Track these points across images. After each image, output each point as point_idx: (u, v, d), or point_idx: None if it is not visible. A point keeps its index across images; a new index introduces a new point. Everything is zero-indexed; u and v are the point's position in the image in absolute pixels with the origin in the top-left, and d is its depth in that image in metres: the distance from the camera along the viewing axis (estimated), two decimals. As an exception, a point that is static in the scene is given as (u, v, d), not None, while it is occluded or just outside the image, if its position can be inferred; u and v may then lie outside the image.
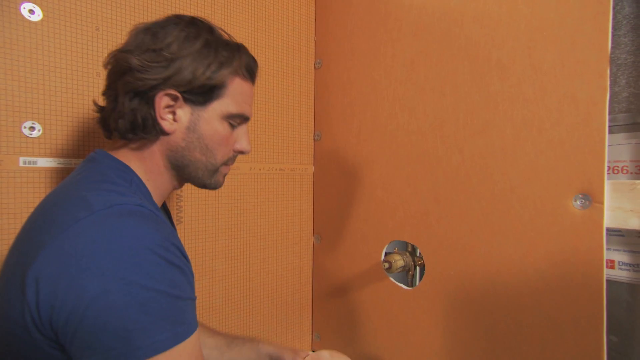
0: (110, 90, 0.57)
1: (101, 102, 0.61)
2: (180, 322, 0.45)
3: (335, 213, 1.15)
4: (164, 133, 0.57)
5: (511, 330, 0.79)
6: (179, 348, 0.43)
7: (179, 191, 0.93)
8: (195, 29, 0.57)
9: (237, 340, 0.81)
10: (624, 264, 0.80)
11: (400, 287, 0.99)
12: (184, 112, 0.57)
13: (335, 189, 1.14)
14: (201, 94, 0.56)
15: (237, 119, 0.61)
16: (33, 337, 0.44)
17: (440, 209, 0.90)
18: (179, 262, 0.47)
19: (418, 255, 0.99)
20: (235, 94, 0.59)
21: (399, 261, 0.95)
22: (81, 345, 0.42)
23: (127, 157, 0.58)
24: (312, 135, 1.20)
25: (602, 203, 0.67)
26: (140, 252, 0.43)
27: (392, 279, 1.01)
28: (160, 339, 0.42)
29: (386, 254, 0.99)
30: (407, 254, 0.99)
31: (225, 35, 0.62)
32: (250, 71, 0.62)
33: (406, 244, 1.01)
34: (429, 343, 0.93)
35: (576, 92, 0.70)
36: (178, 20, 0.57)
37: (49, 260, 0.43)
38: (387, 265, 0.94)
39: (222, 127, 0.60)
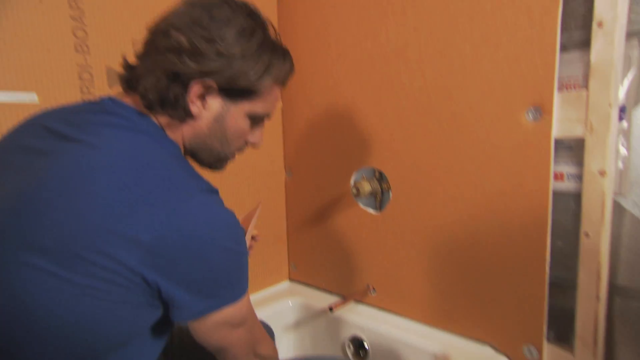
0: (149, 58, 0.55)
1: (130, 59, 0.58)
2: (246, 277, 0.56)
3: (305, 147, 1.16)
4: (190, 116, 0.56)
5: (469, 238, 0.85)
6: (246, 298, 0.56)
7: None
8: (252, 22, 0.56)
9: None
10: (571, 175, 0.86)
11: (369, 212, 1.04)
12: (215, 102, 0.56)
13: (304, 122, 1.15)
14: (237, 92, 0.56)
15: (260, 118, 0.62)
16: (138, 289, 0.47)
17: (404, 133, 0.93)
18: (240, 227, 0.55)
19: (385, 180, 1.03)
20: (267, 98, 0.59)
21: (366, 187, 0.99)
22: (198, 293, 0.49)
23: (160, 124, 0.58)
24: (279, 69, 1.19)
25: (551, 114, 0.71)
26: (235, 225, 0.52)
27: (361, 205, 1.05)
28: (246, 285, 0.55)
29: (354, 182, 1.02)
30: (375, 179, 1.03)
31: (273, 32, 0.60)
32: (287, 79, 0.62)
33: (373, 170, 1.05)
34: (398, 261, 0.99)
35: (531, 4, 0.72)
36: (236, 6, 0.55)
37: (168, 225, 0.46)
38: (355, 191, 0.98)
39: (245, 123, 0.60)
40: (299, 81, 1.14)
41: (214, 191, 0.53)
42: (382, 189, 1.03)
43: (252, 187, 1.15)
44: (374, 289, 1.06)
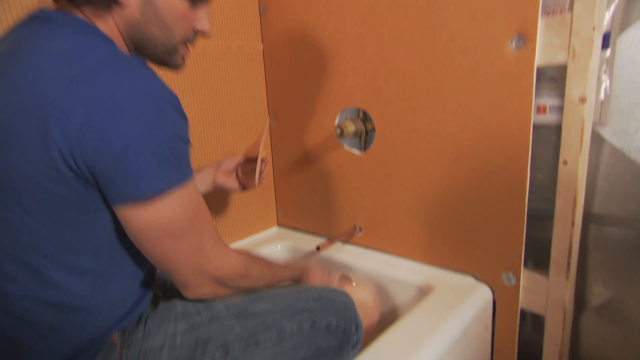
0: None
1: None
2: (188, 164, 0.51)
3: (288, 90, 1.14)
4: (115, 2, 0.52)
5: (453, 174, 0.87)
6: (188, 187, 0.51)
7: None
8: None
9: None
10: (554, 107, 0.86)
11: (354, 152, 1.04)
12: None
13: (286, 64, 1.12)
14: None
15: None
16: (60, 173, 0.46)
17: (387, 70, 0.91)
18: (183, 112, 0.51)
19: (369, 120, 1.02)
20: None
21: (350, 127, 0.98)
22: (116, 176, 0.46)
23: (89, 20, 0.53)
24: (258, 8, 1.14)
25: (534, 41, 0.70)
26: (164, 101, 0.48)
27: (345, 146, 1.05)
28: (181, 176, 0.49)
29: (338, 122, 1.02)
30: (359, 120, 1.02)
31: None
32: None
33: (357, 110, 1.04)
34: (382, 200, 1.01)
35: None
36: None
37: (76, 102, 0.44)
38: (339, 131, 0.97)
39: (181, 3, 0.56)
40: (280, 22, 1.10)
41: (142, 64, 0.50)
42: (366, 129, 1.02)
43: (235, 133, 1.14)
44: (360, 229, 1.08)
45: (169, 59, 0.60)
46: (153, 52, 0.58)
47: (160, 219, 0.49)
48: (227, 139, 1.11)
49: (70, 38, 0.48)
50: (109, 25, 0.54)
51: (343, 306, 0.69)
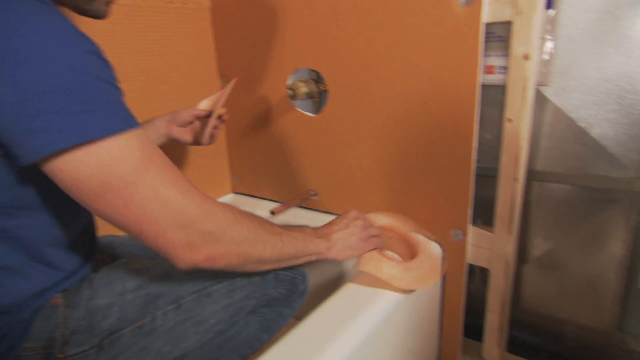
0: None
1: None
2: (125, 109, 0.46)
3: (238, 49, 1.09)
4: None
5: (404, 135, 0.87)
6: (130, 133, 0.44)
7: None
8: None
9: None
10: (501, 67, 0.88)
11: (307, 114, 1.02)
12: None
13: (235, 23, 1.07)
14: None
15: None
16: None
17: (339, 29, 0.89)
18: (106, 58, 0.46)
19: (321, 81, 1.00)
20: None
21: (302, 88, 0.96)
22: (33, 129, 0.40)
23: None
24: (202, -40, 1.07)
25: (482, -3, 0.70)
26: (76, 48, 0.42)
27: (299, 108, 1.03)
28: (110, 122, 0.43)
29: (290, 84, 0.99)
30: (311, 81, 1.00)
31: None
32: None
33: (309, 71, 1.01)
34: (335, 162, 1.01)
35: None
36: None
37: None
38: (291, 92, 0.95)
39: None
40: (226, -26, 1.03)
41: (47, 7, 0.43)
42: (319, 90, 1.00)
43: (183, 96, 1.08)
44: (315, 192, 1.08)
45: (88, 5, 0.54)
46: None
47: (96, 170, 0.42)
48: (173, 107, 1.06)
49: None
50: None
51: (300, 273, 0.71)
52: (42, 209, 0.51)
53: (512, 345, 0.99)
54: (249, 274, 0.64)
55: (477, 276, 1.06)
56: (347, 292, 0.73)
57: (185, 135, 0.87)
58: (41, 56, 0.40)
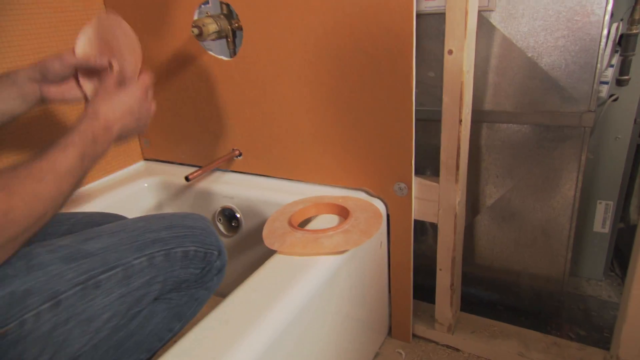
0: None
1: None
2: None
3: (128, -20, 0.97)
4: None
5: (334, 79, 0.82)
6: None
7: None
8: None
9: None
10: (442, -9, 0.83)
11: (220, 59, 0.94)
12: None
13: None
14: None
15: None
16: None
17: (248, -53, 0.80)
18: None
19: (235, 17, 0.91)
20: None
21: (210, 25, 0.87)
22: None
23: None
24: None
25: None
26: None
27: (209, 52, 0.94)
28: None
29: (196, 20, 0.89)
30: (221, 16, 0.90)
31: None
32: None
33: (219, 4, 0.92)
34: (260, 115, 0.94)
35: None
36: None
37: None
38: (196, 31, 0.86)
39: None
40: None
41: None
42: (232, 27, 0.92)
43: (55, 35, 0.94)
44: (240, 153, 1.02)
45: None
46: None
47: None
48: (42, 46, 0.93)
49: None
50: None
51: (201, 231, 0.65)
52: None
53: (466, 303, 1.02)
54: (150, 255, 0.58)
55: (429, 233, 1.06)
56: (277, 263, 0.69)
57: (71, 92, 0.70)
58: None
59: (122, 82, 0.64)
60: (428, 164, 0.95)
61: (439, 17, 0.87)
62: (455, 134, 0.76)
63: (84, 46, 0.70)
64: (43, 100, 0.69)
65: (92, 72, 0.69)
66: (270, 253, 0.73)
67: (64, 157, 0.50)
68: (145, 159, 1.20)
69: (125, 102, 0.60)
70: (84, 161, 0.52)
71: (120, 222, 0.61)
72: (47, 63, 0.66)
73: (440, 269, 0.88)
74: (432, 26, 0.88)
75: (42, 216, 0.48)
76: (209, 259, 0.64)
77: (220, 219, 1.05)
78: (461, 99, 0.73)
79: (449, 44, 0.71)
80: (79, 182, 0.53)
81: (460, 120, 0.75)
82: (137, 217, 0.64)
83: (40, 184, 0.47)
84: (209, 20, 0.87)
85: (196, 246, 0.62)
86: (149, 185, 1.10)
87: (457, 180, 0.79)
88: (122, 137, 0.61)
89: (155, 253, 0.58)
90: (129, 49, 0.67)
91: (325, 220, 0.81)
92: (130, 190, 1.07)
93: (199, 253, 0.63)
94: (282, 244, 0.73)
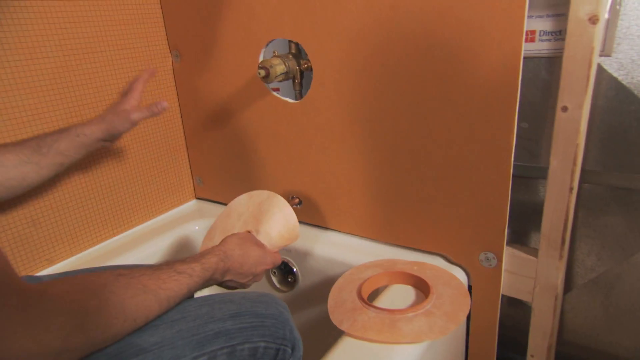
0: None
1: None
2: None
3: (194, 16, 0.92)
4: None
5: (415, 125, 0.72)
6: None
7: None
8: None
9: (50, 138, 0.66)
10: (546, 33, 0.72)
11: (286, 101, 0.86)
12: None
13: (187, -22, 0.89)
14: None
15: None
16: None
17: (326, -17, 0.72)
18: None
19: (304, 56, 0.84)
20: None
21: (278, 66, 0.79)
22: None
23: None
24: None
25: None
26: None
27: (274, 93, 0.87)
28: None
29: (263, 61, 0.82)
30: (290, 56, 0.83)
31: None
32: None
33: (288, 43, 0.84)
34: (327, 163, 0.85)
35: None
36: None
37: None
38: (263, 73, 0.78)
39: None
40: None
41: None
42: (300, 68, 0.84)
43: (123, 76, 0.91)
44: (299, 200, 0.93)
45: None
46: None
47: None
48: (113, 85, 0.88)
49: None
50: None
51: (273, 321, 0.56)
52: None
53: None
54: (212, 353, 0.49)
55: (506, 302, 0.92)
56: (348, 350, 0.59)
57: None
58: None
59: (259, 244, 0.67)
60: (509, 223, 0.82)
61: (539, 61, 0.75)
62: (564, 204, 0.64)
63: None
64: (105, 139, 0.74)
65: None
66: (329, 317, 0.63)
67: (175, 283, 0.50)
68: (197, 198, 1.14)
69: (252, 263, 0.63)
70: (188, 292, 0.52)
71: (183, 305, 0.53)
72: (116, 124, 0.72)
73: (532, 355, 0.75)
74: (529, 70, 0.77)
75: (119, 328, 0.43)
76: (281, 357, 0.54)
77: (274, 272, 0.96)
78: (574, 163, 0.61)
79: (563, 99, 0.59)
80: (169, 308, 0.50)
81: (571, 188, 0.63)
82: (202, 297, 0.56)
83: (136, 298, 0.45)
84: (277, 61, 0.80)
85: (266, 341, 0.54)
86: (200, 228, 1.03)
87: (561, 257, 0.66)
88: (222, 284, 0.62)
89: (218, 351, 0.50)
90: (279, 226, 0.72)
91: (400, 293, 0.70)
92: (181, 233, 1.00)
93: (270, 350, 0.54)
94: (353, 325, 0.62)
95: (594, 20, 0.54)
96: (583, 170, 0.76)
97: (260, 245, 0.67)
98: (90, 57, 0.84)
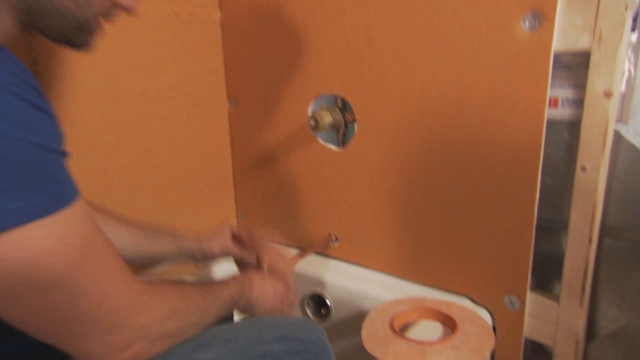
0: None
1: None
2: (60, 181, 0.40)
3: (252, 69, 1.04)
4: None
5: (446, 177, 0.80)
6: (66, 213, 0.39)
7: (32, 40, 0.76)
8: None
9: (158, 233, 0.77)
10: (567, 100, 0.81)
11: (330, 148, 0.96)
12: None
13: (249, 38, 1.02)
14: None
15: None
16: None
17: (373, 51, 0.83)
18: (42, 104, 0.39)
19: (348, 110, 0.94)
20: None
21: (326, 118, 0.90)
22: None
23: None
24: (215, -33, 1.03)
25: (553, 21, 0.63)
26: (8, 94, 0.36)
27: (320, 140, 0.97)
28: (40, 201, 0.37)
29: (313, 112, 0.93)
30: (336, 109, 0.94)
31: None
32: None
33: (335, 98, 0.96)
34: (364, 205, 0.94)
35: None
36: None
37: None
38: (313, 123, 0.89)
39: None
40: (241, -16, 1.00)
41: None
42: (345, 120, 0.95)
43: (187, 120, 1.03)
44: (336, 238, 1.01)
45: (77, 36, 0.51)
46: (56, 26, 0.49)
47: (17, 267, 0.36)
48: (173, 134, 1.01)
49: None
50: None
51: (314, 346, 0.62)
52: None
53: None
54: None
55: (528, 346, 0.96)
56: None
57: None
58: None
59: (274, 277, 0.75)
60: (532, 271, 0.88)
61: (562, 124, 0.83)
62: (584, 255, 0.70)
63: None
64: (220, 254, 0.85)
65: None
66: (361, 349, 0.69)
67: (216, 314, 0.58)
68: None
69: (268, 290, 0.70)
70: (216, 313, 0.59)
71: (234, 326, 0.61)
72: (213, 248, 0.81)
73: (552, 399, 0.78)
74: (553, 132, 0.84)
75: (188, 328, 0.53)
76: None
77: (309, 304, 1.03)
78: (593, 218, 0.68)
79: (582, 160, 0.67)
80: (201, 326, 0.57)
81: (590, 240, 0.69)
82: (251, 320, 0.64)
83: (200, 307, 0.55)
84: (326, 113, 0.91)
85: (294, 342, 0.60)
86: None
87: (581, 304, 0.72)
88: (247, 309, 0.68)
89: None
90: (280, 260, 0.81)
91: (429, 328, 0.76)
92: (223, 266, 1.09)
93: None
94: (385, 353, 0.68)
95: (608, 94, 0.63)
96: (604, 225, 0.82)
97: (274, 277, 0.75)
98: (164, 103, 0.97)
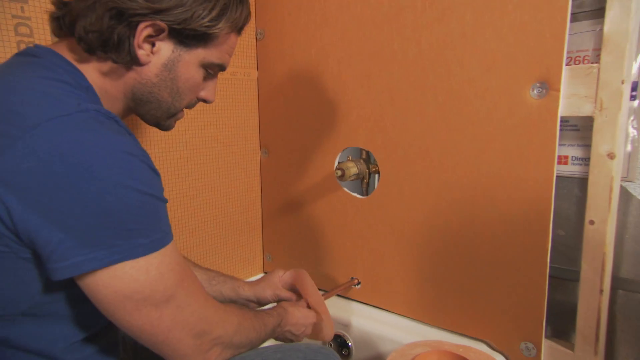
0: None
1: None
2: (167, 224, 0.52)
3: (283, 122, 1.14)
4: (137, 63, 0.55)
5: (463, 227, 0.86)
6: (170, 247, 0.51)
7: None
8: None
9: (219, 278, 0.85)
10: (576, 159, 0.87)
11: (355, 196, 1.03)
12: (165, 47, 0.56)
13: (283, 95, 1.13)
14: (191, 37, 0.56)
15: (215, 69, 0.62)
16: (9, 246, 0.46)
17: (396, 110, 0.92)
18: (153, 166, 0.51)
19: (372, 161, 1.02)
20: (223, 46, 0.61)
21: (352, 168, 0.98)
22: (80, 243, 0.44)
23: (87, 67, 0.54)
24: (254, 33, 1.15)
25: (558, 90, 0.71)
26: (129, 159, 0.47)
27: (345, 189, 1.05)
28: (157, 237, 0.49)
29: (339, 163, 1.01)
30: (361, 161, 1.02)
31: None
32: (244, 27, 0.63)
33: (360, 150, 1.04)
34: (385, 251, 1.00)
35: (540, -33, 0.71)
36: None
37: (20, 162, 0.42)
38: (339, 173, 0.97)
39: (198, 74, 0.60)
40: (277, 49, 1.11)
41: (106, 115, 0.48)
42: (369, 171, 1.02)
43: (223, 167, 1.12)
44: (358, 281, 1.06)
45: (166, 121, 0.64)
46: (153, 113, 0.61)
47: (132, 287, 0.47)
48: (211, 173, 1.10)
49: (34, 82, 0.48)
50: (116, 83, 0.56)
51: None
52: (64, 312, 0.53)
53: None
54: None
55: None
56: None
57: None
58: (96, 173, 0.44)
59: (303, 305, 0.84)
60: (548, 320, 0.91)
61: (572, 180, 0.89)
62: (595, 304, 0.74)
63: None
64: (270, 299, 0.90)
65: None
66: None
67: (267, 323, 0.68)
68: (265, 272, 1.29)
69: (301, 318, 0.77)
70: (264, 338, 0.68)
71: (261, 351, 0.66)
72: (267, 296, 0.87)
73: None
74: (564, 187, 0.90)
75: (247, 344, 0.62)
76: None
77: (330, 345, 1.07)
78: (603, 269, 0.72)
79: (590, 214, 0.73)
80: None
81: (601, 290, 0.73)
82: (275, 345, 0.70)
83: (255, 327, 0.63)
84: (351, 164, 0.98)
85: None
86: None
87: (596, 352, 0.75)
88: (280, 336, 0.75)
89: None
90: (313, 293, 0.87)
91: (447, 371, 0.80)
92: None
93: None
94: (406, 393, 0.72)
95: (611, 156, 0.69)
96: (617, 277, 0.86)
97: (304, 306, 0.83)
98: (203, 152, 1.07)
